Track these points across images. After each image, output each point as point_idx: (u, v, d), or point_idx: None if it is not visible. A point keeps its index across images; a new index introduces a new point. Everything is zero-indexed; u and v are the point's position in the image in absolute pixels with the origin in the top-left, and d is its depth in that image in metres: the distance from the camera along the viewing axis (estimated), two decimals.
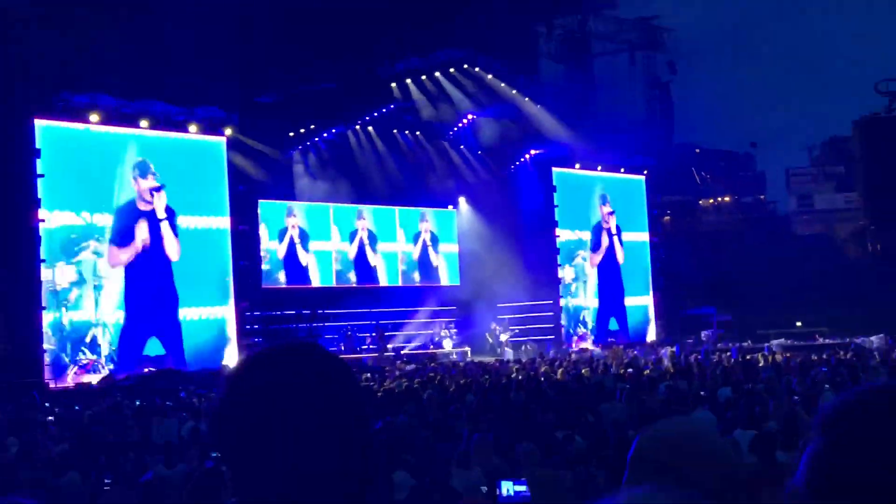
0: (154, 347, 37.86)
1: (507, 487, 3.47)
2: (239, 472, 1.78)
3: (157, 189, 38.33)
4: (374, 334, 45.50)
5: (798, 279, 65.49)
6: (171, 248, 38.70)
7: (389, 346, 45.15)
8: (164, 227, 38.61)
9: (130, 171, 37.90)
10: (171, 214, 38.69)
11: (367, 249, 48.42)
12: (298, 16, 42.68)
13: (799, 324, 57.62)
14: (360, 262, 48.24)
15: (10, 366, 37.19)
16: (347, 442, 1.78)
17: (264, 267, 44.25)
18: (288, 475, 1.72)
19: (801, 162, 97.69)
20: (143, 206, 38.06)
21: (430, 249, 51.00)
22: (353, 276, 47.97)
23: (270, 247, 44.88)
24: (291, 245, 45.61)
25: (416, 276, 50.27)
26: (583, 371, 31.88)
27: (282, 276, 45.38)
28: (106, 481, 12.57)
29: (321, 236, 46.62)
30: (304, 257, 46.00)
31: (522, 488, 3.42)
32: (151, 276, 37.97)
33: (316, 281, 46.44)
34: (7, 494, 10.61)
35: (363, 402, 1.83)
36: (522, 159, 52.65)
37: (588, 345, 50.13)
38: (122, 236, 37.39)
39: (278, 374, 1.79)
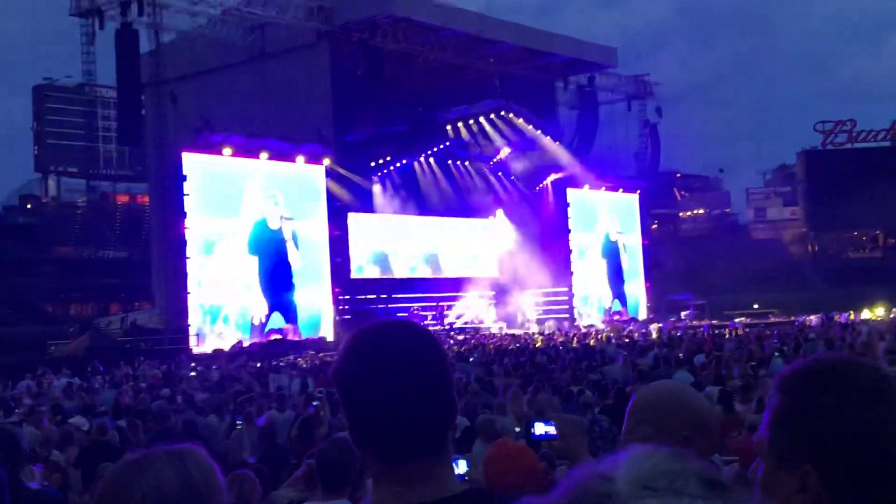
0: (277, 322, 38.14)
1: (539, 427, 3.44)
2: (355, 410, 1.83)
3: (288, 219, 38.62)
4: (434, 312, 45.53)
5: (755, 272, 64.86)
6: (294, 259, 38.96)
7: (445, 321, 45.16)
8: (290, 245, 38.86)
9: (267, 198, 38.14)
10: (294, 236, 38.96)
11: (436, 249, 48.39)
12: (378, 76, 42.80)
13: (756, 306, 57.06)
14: (430, 259, 48.24)
15: (164, 335, 37.68)
16: (440, 384, 1.84)
17: (358, 263, 44.27)
18: (397, 408, 1.78)
19: (757, 183, 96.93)
20: (272, 225, 38.32)
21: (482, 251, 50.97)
22: (424, 269, 47.88)
23: (368, 249, 45.02)
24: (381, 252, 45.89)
25: (472, 269, 49.80)
26: (590, 341, 31.73)
27: (373, 271, 45.37)
28: (237, 422, 12.62)
29: (398, 240, 46.63)
30: (389, 258, 46.15)
31: (552, 429, 3.39)
32: (275, 269, 38.19)
33: (396, 273, 46.40)
34: (163, 433, 10.70)
35: (445, 359, 1.89)
36: (544, 182, 52.52)
37: (595, 321, 49.88)
38: (255, 246, 37.72)
39: (388, 339, 1.86)
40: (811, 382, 1.60)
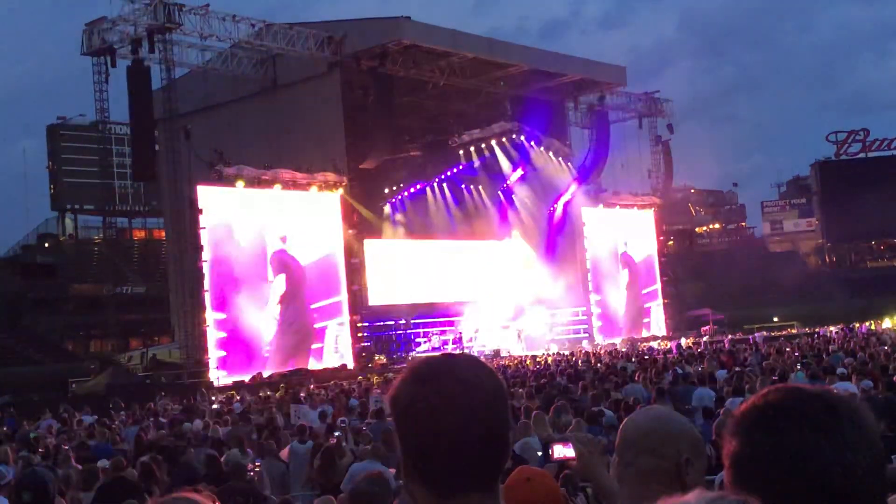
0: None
1: (558, 450, 3.40)
2: (410, 438, 1.81)
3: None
4: (453, 336, 45.43)
5: (773, 284, 64.63)
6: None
7: (464, 344, 45.03)
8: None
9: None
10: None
11: (453, 272, 48.11)
12: (389, 103, 42.96)
13: (775, 319, 56.81)
14: (445, 284, 47.91)
15: (185, 369, 37.73)
16: (498, 422, 1.81)
17: (375, 289, 44.10)
18: (453, 440, 1.76)
19: (772, 196, 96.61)
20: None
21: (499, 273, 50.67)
22: (441, 293, 47.57)
23: (385, 275, 44.84)
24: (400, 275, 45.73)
25: (489, 291, 49.22)
26: (611, 360, 31.53)
27: (390, 297, 45.17)
28: (256, 462, 12.57)
29: (414, 265, 46.52)
30: (406, 282, 45.96)
31: (569, 451, 3.35)
32: (295, 301, 38.23)
33: (414, 298, 46.17)
34: (184, 468, 10.66)
35: (505, 398, 1.86)
36: (558, 202, 52.45)
37: (614, 340, 49.64)
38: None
39: (451, 371, 1.82)
40: (760, 422, 1.54)
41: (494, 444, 1.79)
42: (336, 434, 13.16)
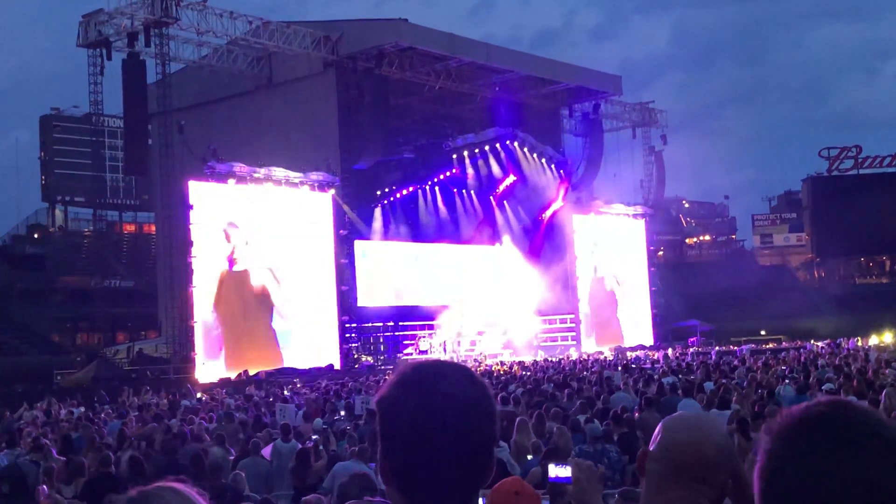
0: None
1: (553, 470, 3.38)
2: (391, 442, 1.78)
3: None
4: (441, 342, 45.33)
5: (761, 298, 64.67)
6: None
7: (449, 349, 44.92)
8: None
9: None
10: None
11: (442, 276, 48.00)
12: (384, 105, 43.00)
13: (763, 332, 56.91)
14: (433, 287, 47.82)
15: (170, 364, 37.62)
16: (482, 435, 1.78)
17: (364, 290, 44.01)
18: (433, 448, 1.73)
19: (763, 209, 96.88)
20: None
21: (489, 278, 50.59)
22: (430, 296, 47.49)
23: (374, 276, 44.74)
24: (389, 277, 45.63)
25: (478, 295, 49.08)
26: (598, 368, 31.53)
27: (379, 298, 45.11)
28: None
29: (404, 268, 46.44)
30: (395, 284, 45.87)
31: (565, 472, 3.33)
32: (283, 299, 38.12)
33: (402, 300, 46.14)
34: (169, 465, 10.63)
35: (494, 413, 1.82)
36: (550, 209, 52.48)
37: (602, 347, 49.65)
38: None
39: (440, 378, 1.79)
40: (801, 432, 1.48)
41: (474, 456, 1.76)
42: (314, 437, 13.10)
